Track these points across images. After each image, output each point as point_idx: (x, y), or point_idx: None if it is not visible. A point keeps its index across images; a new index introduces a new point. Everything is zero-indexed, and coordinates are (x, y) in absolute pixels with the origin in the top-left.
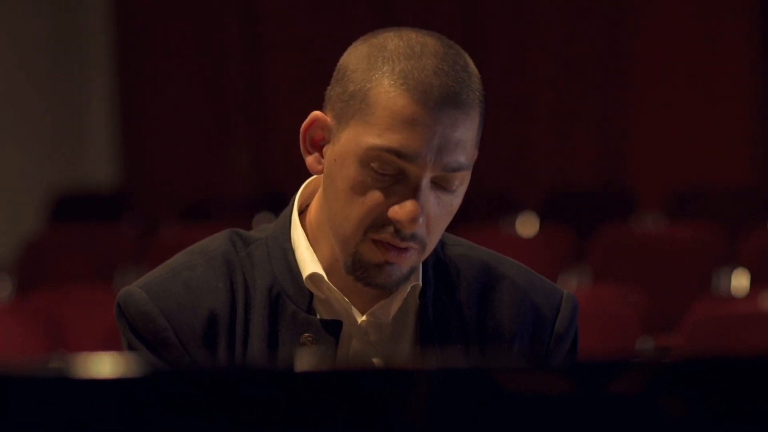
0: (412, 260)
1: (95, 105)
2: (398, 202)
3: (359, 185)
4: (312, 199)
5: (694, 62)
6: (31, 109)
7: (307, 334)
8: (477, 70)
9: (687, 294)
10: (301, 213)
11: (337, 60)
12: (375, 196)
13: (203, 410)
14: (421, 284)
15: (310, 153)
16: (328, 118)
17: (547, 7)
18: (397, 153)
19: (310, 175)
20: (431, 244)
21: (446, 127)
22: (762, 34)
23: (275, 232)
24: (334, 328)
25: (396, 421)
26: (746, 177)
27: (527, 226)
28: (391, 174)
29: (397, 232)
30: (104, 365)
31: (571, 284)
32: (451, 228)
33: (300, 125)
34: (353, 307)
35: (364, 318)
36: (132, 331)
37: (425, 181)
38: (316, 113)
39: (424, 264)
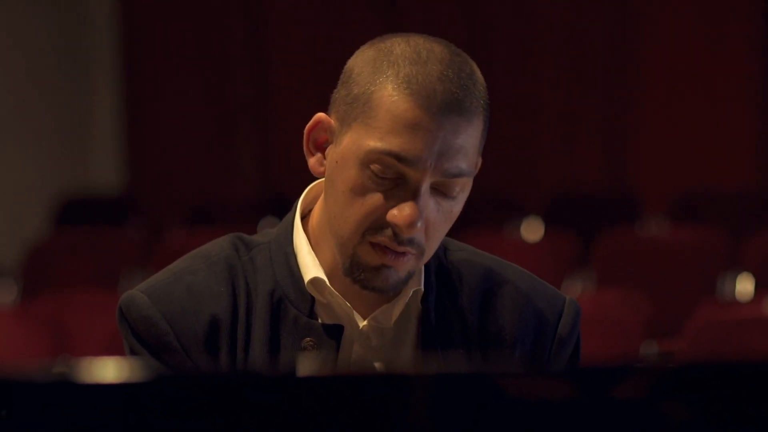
0: (409, 265)
1: (100, 109)
2: (397, 205)
3: (359, 187)
4: (315, 204)
5: (698, 66)
6: (36, 113)
7: (308, 339)
8: (483, 79)
9: (691, 298)
10: (304, 218)
11: (341, 64)
12: (374, 199)
13: (205, 415)
14: (423, 289)
15: (312, 154)
16: (332, 120)
17: (551, 11)
18: (398, 157)
19: (315, 179)
20: (430, 250)
21: (448, 132)
22: (766, 37)
23: (278, 236)
24: (335, 332)
25: (397, 427)
26: (751, 181)
27: (532, 230)
28: (391, 178)
29: (395, 235)
30: (108, 370)
31: (576, 289)
32: (456, 232)
33: (305, 129)
34: (355, 312)
35: (365, 322)
36: (134, 335)
37: (425, 186)
38: (320, 115)
39: (427, 269)
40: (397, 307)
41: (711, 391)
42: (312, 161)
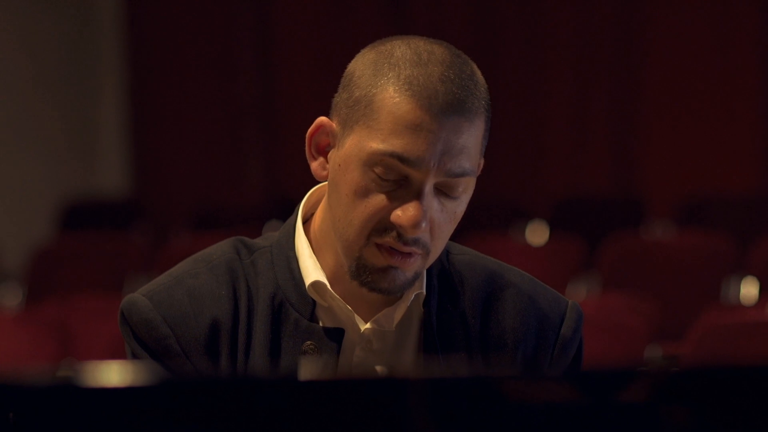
0: (416, 266)
1: (107, 114)
2: (401, 206)
3: (363, 190)
4: (316, 208)
5: (704, 72)
6: (42, 118)
7: (309, 342)
8: (484, 80)
9: (696, 302)
10: (306, 222)
11: None
12: (378, 201)
13: (207, 418)
14: (424, 292)
15: (315, 158)
16: (334, 124)
17: (560, 17)
18: (401, 158)
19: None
20: (436, 250)
21: (450, 133)
22: None
23: (279, 240)
24: (336, 336)
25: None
26: (756, 186)
27: (537, 234)
28: (395, 179)
29: (399, 236)
30: (112, 374)
31: (581, 292)
32: (461, 236)
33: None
34: (356, 315)
35: (367, 326)
36: (135, 338)
37: (428, 187)
38: (322, 119)
39: (428, 272)
40: (399, 311)
41: (715, 395)
42: (314, 165)
